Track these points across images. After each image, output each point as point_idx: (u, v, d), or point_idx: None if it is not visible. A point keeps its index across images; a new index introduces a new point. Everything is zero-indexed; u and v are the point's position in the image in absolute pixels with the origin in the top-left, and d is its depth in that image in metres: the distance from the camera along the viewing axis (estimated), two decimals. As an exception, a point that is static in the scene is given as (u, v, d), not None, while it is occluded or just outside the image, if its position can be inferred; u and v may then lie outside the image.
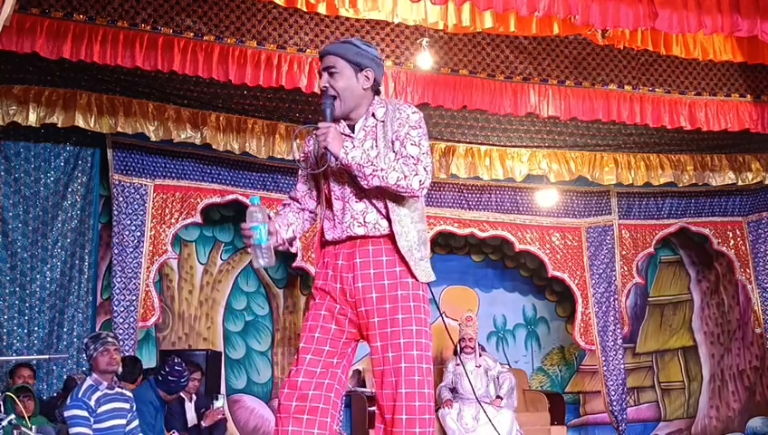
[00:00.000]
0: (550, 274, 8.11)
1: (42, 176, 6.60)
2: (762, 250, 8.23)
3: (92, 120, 6.09)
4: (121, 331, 6.42)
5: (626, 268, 8.21)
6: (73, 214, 6.70)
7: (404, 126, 2.73)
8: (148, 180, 6.84)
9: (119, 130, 6.21)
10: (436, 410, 6.95)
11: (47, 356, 5.94)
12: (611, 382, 7.99)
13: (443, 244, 8.50)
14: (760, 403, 8.70)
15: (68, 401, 4.53)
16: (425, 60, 5.59)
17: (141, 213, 6.73)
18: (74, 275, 6.64)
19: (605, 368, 7.98)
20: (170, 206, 6.91)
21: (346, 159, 2.63)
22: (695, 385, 9.01)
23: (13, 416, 4.14)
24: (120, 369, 4.88)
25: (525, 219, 8.14)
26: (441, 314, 3.45)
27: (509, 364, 8.36)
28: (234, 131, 6.55)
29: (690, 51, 5.49)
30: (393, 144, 2.72)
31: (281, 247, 2.77)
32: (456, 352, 7.33)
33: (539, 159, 7.34)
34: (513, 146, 7.28)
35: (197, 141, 6.46)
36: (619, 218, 8.29)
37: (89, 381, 4.55)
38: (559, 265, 8.11)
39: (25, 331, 6.36)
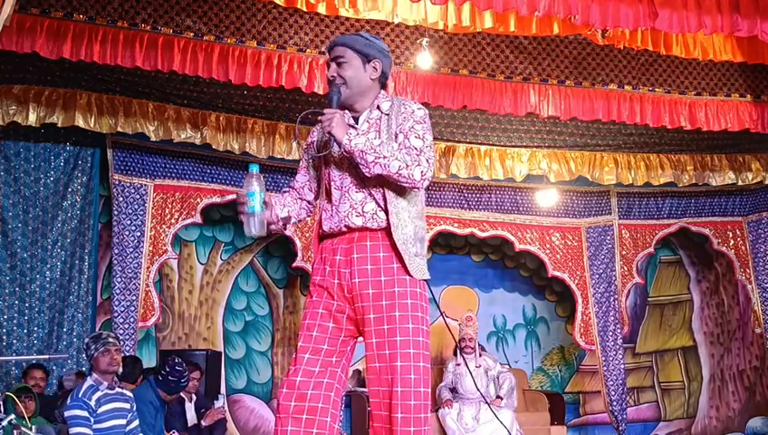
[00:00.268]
0: (550, 274, 8.11)
1: (42, 176, 6.60)
2: (762, 250, 8.23)
3: (92, 120, 6.10)
4: (121, 331, 6.42)
5: (626, 268, 8.22)
6: (73, 214, 6.70)
7: (408, 120, 2.73)
8: (148, 180, 6.84)
9: (119, 130, 6.21)
10: (437, 410, 6.95)
11: (47, 356, 5.95)
12: (611, 382, 7.99)
13: (443, 244, 8.51)
14: (760, 403, 8.70)
15: (68, 400, 4.53)
16: (425, 60, 5.59)
17: (141, 213, 6.73)
18: (74, 275, 6.64)
19: (605, 368, 7.98)
20: (170, 206, 6.91)
21: (349, 146, 2.62)
22: (695, 385, 9.01)
23: (13, 416, 4.14)
24: (121, 369, 4.88)
25: (525, 219, 8.14)
26: (442, 314, 3.44)
27: (509, 364, 8.36)
28: (234, 131, 6.55)
29: (690, 51, 5.49)
30: (396, 137, 2.72)
31: (273, 226, 2.73)
32: (456, 352, 7.33)
33: (539, 159, 7.35)
34: (513, 146, 7.28)
35: (197, 141, 6.46)
36: (619, 218, 8.29)
37: (89, 382, 4.55)
38: (559, 265, 8.11)
39: (25, 331, 6.36)
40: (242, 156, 6.86)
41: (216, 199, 7.16)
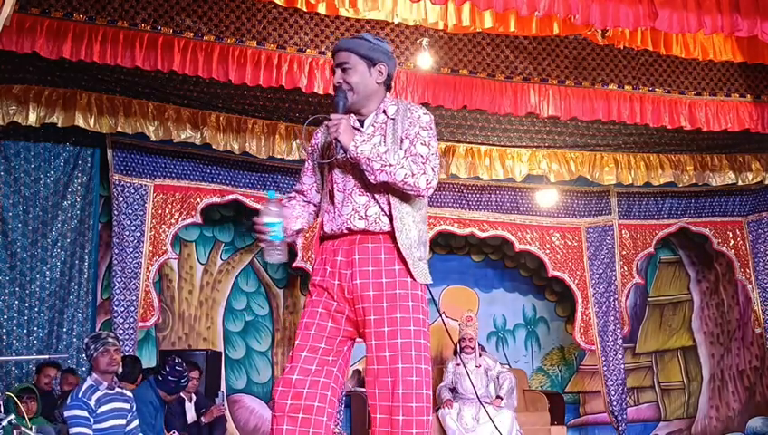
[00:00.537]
0: (550, 274, 8.11)
1: (42, 176, 6.60)
2: (762, 250, 8.23)
3: (92, 120, 6.09)
4: (121, 331, 6.42)
5: (626, 268, 8.21)
6: (73, 214, 6.70)
7: (414, 126, 2.73)
8: (148, 180, 6.84)
9: (119, 130, 6.21)
10: (437, 411, 6.95)
11: (47, 356, 5.94)
12: (611, 382, 7.99)
13: (443, 244, 8.51)
14: (760, 403, 8.70)
15: (68, 401, 4.53)
16: (425, 60, 5.59)
17: (141, 213, 6.73)
18: (74, 275, 6.64)
19: (605, 368, 7.98)
20: (170, 206, 6.91)
21: (355, 152, 2.62)
22: (694, 385, 9.01)
23: (13, 416, 4.14)
24: (121, 369, 4.88)
25: (525, 219, 8.14)
26: (441, 315, 3.45)
27: (509, 364, 8.36)
28: (234, 131, 6.55)
29: (690, 51, 5.49)
30: (402, 142, 2.71)
31: (289, 239, 2.75)
32: (456, 353, 7.32)
33: (539, 159, 7.34)
34: (513, 146, 7.28)
35: (197, 141, 6.46)
36: (619, 218, 8.29)
37: (89, 382, 4.55)
38: (559, 265, 8.11)
39: (25, 331, 6.35)
40: (242, 156, 6.86)
41: (216, 199, 7.16)
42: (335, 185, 2.76)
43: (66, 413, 4.46)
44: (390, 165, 2.61)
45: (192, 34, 5.27)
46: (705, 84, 6.21)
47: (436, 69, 5.75)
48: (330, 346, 2.68)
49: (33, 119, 5.97)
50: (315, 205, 2.92)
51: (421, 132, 2.72)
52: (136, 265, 6.64)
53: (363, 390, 7.37)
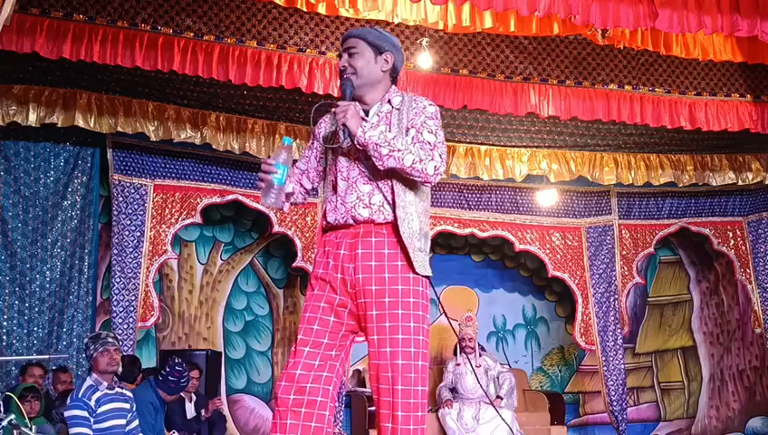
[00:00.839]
0: (550, 274, 8.12)
1: (42, 176, 6.60)
2: (762, 250, 8.23)
3: (92, 120, 6.10)
4: (121, 331, 6.42)
5: (626, 268, 8.22)
6: (73, 214, 6.70)
7: (420, 115, 2.75)
8: (148, 180, 6.84)
9: (119, 130, 6.22)
10: (437, 411, 6.95)
11: (47, 356, 5.94)
12: (611, 382, 7.99)
13: (443, 244, 8.51)
14: (760, 403, 8.70)
15: (68, 401, 4.53)
16: (425, 60, 5.59)
17: (141, 213, 6.73)
18: (74, 275, 6.63)
19: (605, 368, 7.98)
20: (170, 206, 6.91)
21: (363, 138, 2.62)
22: (694, 385, 9.01)
23: (13, 416, 4.14)
24: (120, 369, 4.88)
25: (525, 219, 8.14)
26: (444, 313, 3.43)
27: (509, 364, 8.36)
28: (234, 131, 6.55)
29: (690, 51, 5.49)
30: (407, 132, 2.73)
31: (275, 203, 2.76)
32: (456, 352, 7.33)
33: (539, 159, 7.35)
34: (513, 146, 7.28)
35: (197, 141, 6.47)
36: (619, 218, 8.29)
37: (89, 382, 4.55)
38: (559, 265, 8.11)
39: (25, 331, 6.35)
40: (242, 156, 6.86)
41: (216, 199, 7.16)
42: (339, 174, 2.76)
43: (66, 413, 4.47)
44: (399, 150, 2.61)
45: (192, 34, 5.27)
46: (705, 84, 6.21)
47: (436, 69, 5.75)
48: (332, 341, 2.68)
49: (33, 119, 5.97)
50: (306, 189, 2.95)
51: (427, 121, 2.73)
52: (136, 265, 6.64)
53: (363, 390, 7.38)
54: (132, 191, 6.76)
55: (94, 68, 5.41)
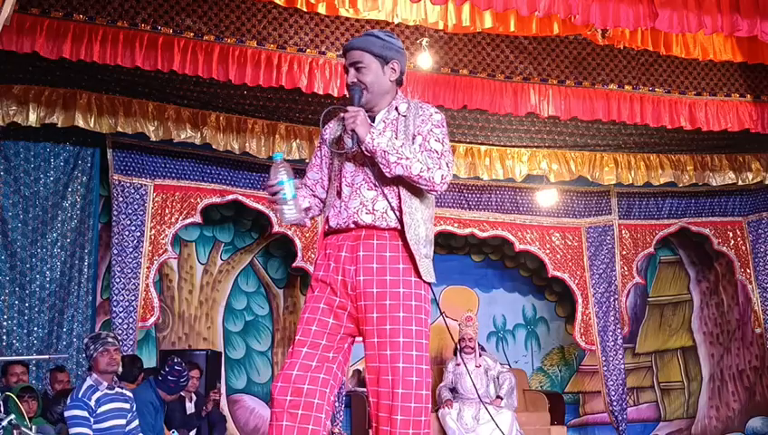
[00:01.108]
0: (550, 274, 8.11)
1: (42, 176, 6.60)
2: (762, 250, 8.23)
3: (92, 120, 6.09)
4: (121, 331, 6.42)
5: (626, 268, 8.21)
6: (73, 214, 6.70)
7: (427, 123, 2.74)
8: (148, 180, 6.84)
9: (119, 130, 6.21)
10: (437, 411, 6.95)
11: (47, 356, 5.93)
12: (611, 382, 7.99)
13: (443, 244, 8.50)
14: (760, 403, 8.70)
15: (68, 401, 4.53)
16: (425, 60, 5.59)
17: (141, 213, 6.73)
18: (74, 275, 6.63)
19: (605, 368, 7.98)
20: (170, 206, 6.91)
21: (372, 145, 2.62)
22: (694, 385, 9.01)
23: (13, 416, 4.14)
24: (121, 369, 4.87)
25: (525, 219, 8.14)
26: (442, 314, 3.45)
27: (509, 364, 8.36)
28: (234, 131, 6.55)
29: (690, 51, 5.49)
30: (414, 139, 2.72)
31: (296, 217, 2.72)
32: (456, 352, 7.33)
33: (539, 159, 7.35)
34: (513, 146, 7.28)
35: (197, 141, 6.46)
36: (619, 218, 8.29)
37: (89, 382, 4.55)
38: (559, 265, 8.11)
39: (25, 331, 6.35)
40: (242, 156, 6.86)
41: (216, 199, 7.16)
42: (343, 179, 2.75)
43: (66, 413, 4.47)
44: (407, 158, 2.61)
45: (192, 34, 5.27)
46: (705, 84, 6.21)
47: (436, 69, 5.75)
48: (330, 343, 2.66)
49: (33, 119, 5.97)
50: (321, 200, 2.90)
51: (434, 129, 2.73)
52: (136, 265, 6.64)
53: (363, 390, 7.37)
54: (132, 191, 6.76)
55: (94, 68, 5.41)
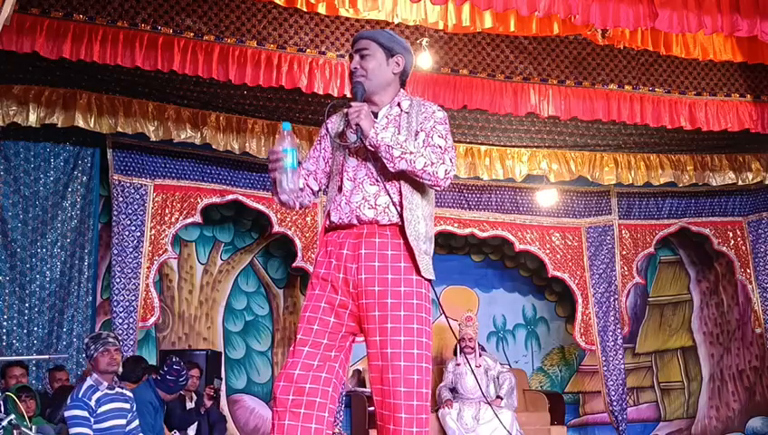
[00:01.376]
0: (550, 274, 8.12)
1: (41, 176, 6.60)
2: (762, 250, 8.23)
3: (92, 120, 6.10)
4: (121, 331, 6.42)
5: (626, 268, 8.21)
6: (73, 214, 6.70)
7: (429, 120, 2.75)
8: (148, 180, 6.84)
9: (119, 130, 6.22)
10: (437, 411, 6.96)
11: (47, 356, 5.93)
12: (611, 382, 7.99)
13: (443, 244, 8.50)
14: (760, 403, 8.70)
15: (68, 400, 4.53)
16: (425, 60, 5.59)
17: (141, 213, 6.73)
18: (74, 275, 6.63)
19: (605, 368, 7.98)
20: (170, 206, 6.91)
21: (375, 139, 2.62)
22: (694, 385, 9.01)
23: (13, 416, 4.14)
24: (121, 369, 4.87)
25: (525, 219, 8.14)
26: (443, 314, 3.44)
27: (509, 364, 8.36)
28: (234, 131, 6.55)
29: (690, 51, 5.49)
30: (417, 135, 2.73)
31: (291, 189, 2.70)
32: (456, 352, 7.33)
33: (539, 159, 7.35)
34: (513, 146, 7.28)
35: (197, 141, 6.47)
36: (619, 218, 8.29)
37: (89, 382, 4.55)
38: (559, 265, 8.11)
39: (25, 331, 6.35)
40: (242, 156, 6.86)
41: (216, 199, 7.16)
42: (345, 174, 2.75)
43: (66, 413, 4.47)
44: (411, 153, 2.62)
45: (192, 34, 5.28)
46: (705, 84, 6.21)
47: (436, 69, 5.75)
48: (332, 341, 2.66)
49: (33, 119, 5.97)
50: (312, 191, 2.91)
51: (437, 126, 2.74)
52: (136, 265, 6.64)
53: (363, 390, 7.38)
54: (132, 191, 6.76)
55: (94, 68, 5.41)
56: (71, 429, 4.41)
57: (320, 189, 2.92)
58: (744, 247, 8.33)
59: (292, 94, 5.94)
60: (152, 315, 6.72)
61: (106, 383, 4.55)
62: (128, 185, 6.74)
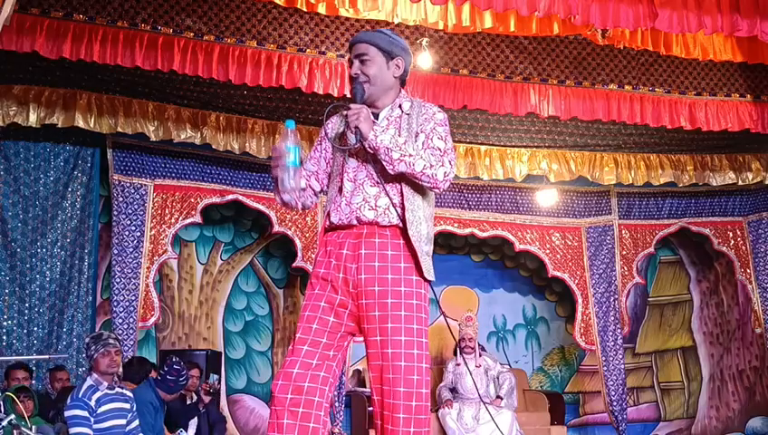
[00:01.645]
0: (550, 274, 8.12)
1: (42, 176, 6.60)
2: (762, 250, 8.23)
3: (92, 120, 6.10)
4: (121, 331, 6.42)
5: (626, 268, 8.21)
6: (73, 214, 6.70)
7: (429, 122, 2.75)
8: (148, 180, 6.84)
9: (119, 130, 6.22)
10: (437, 411, 6.96)
11: (47, 356, 5.94)
12: (611, 382, 7.99)
13: (443, 244, 8.50)
14: (760, 403, 8.70)
15: (68, 400, 4.53)
16: (425, 60, 5.59)
17: (141, 213, 6.73)
18: (74, 275, 6.63)
19: (605, 368, 7.98)
20: (170, 206, 6.91)
21: (375, 142, 2.62)
22: (694, 385, 9.01)
23: (13, 416, 4.14)
24: (121, 370, 4.87)
25: (525, 219, 8.14)
26: (443, 314, 3.44)
27: (509, 364, 8.36)
28: (234, 131, 6.55)
29: (690, 51, 5.49)
30: (417, 137, 2.73)
31: (293, 187, 2.69)
32: (456, 352, 7.33)
33: (539, 159, 7.35)
34: (513, 146, 7.28)
35: (197, 141, 6.46)
36: (619, 218, 8.29)
37: (89, 382, 4.55)
38: (559, 265, 8.11)
39: (25, 331, 6.35)
40: (242, 156, 6.86)
41: (216, 199, 7.16)
42: (346, 175, 2.75)
43: (66, 413, 4.47)
44: (410, 155, 2.62)
45: (192, 34, 5.27)
46: (705, 84, 6.21)
47: (436, 69, 5.75)
48: (331, 341, 2.66)
49: (33, 119, 5.97)
50: (314, 191, 2.91)
51: (437, 128, 2.74)
52: (136, 265, 6.64)
53: (363, 390, 7.38)
54: (132, 191, 6.76)
55: (94, 68, 5.41)
56: (71, 428, 4.41)
57: (321, 190, 2.92)
58: (743, 247, 8.33)
59: (292, 94, 5.94)
60: (152, 315, 6.71)
61: (106, 383, 4.55)
62: (128, 185, 6.74)
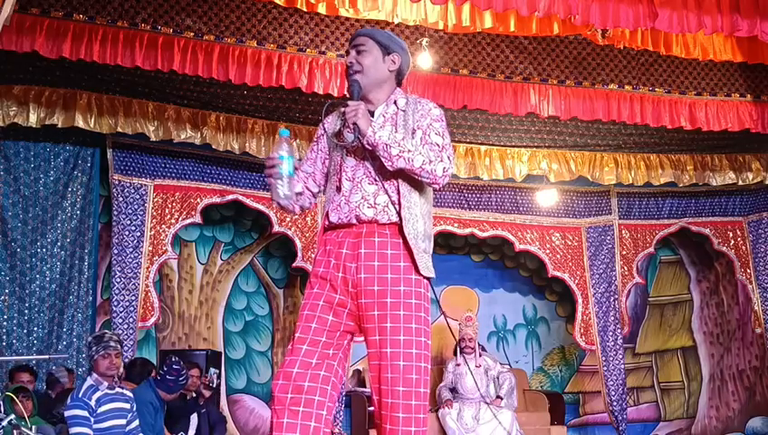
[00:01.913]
0: (550, 274, 8.11)
1: (41, 176, 6.60)
2: (762, 250, 8.23)
3: (92, 120, 6.09)
4: (121, 331, 6.41)
5: (626, 268, 8.21)
6: (73, 214, 6.70)
7: (426, 117, 2.75)
8: (148, 180, 6.84)
9: (119, 130, 6.21)
10: (437, 411, 6.96)
11: (47, 356, 5.93)
12: (611, 382, 7.98)
13: (443, 244, 8.50)
14: (760, 403, 8.70)
15: (68, 400, 4.53)
16: (425, 60, 5.59)
17: (141, 213, 6.73)
18: (74, 275, 6.63)
19: (605, 368, 7.98)
20: (170, 206, 6.91)
21: (373, 138, 2.62)
22: (694, 385, 9.01)
23: (13, 416, 4.14)
24: (122, 370, 4.87)
25: (525, 219, 8.14)
26: (443, 314, 3.46)
27: (509, 364, 8.36)
28: (234, 131, 6.55)
29: (690, 51, 5.49)
30: (414, 133, 2.72)
31: (288, 195, 2.70)
32: (456, 352, 7.33)
33: (539, 159, 7.35)
34: (513, 146, 7.28)
35: (197, 141, 6.46)
36: (619, 218, 8.29)
37: (89, 381, 4.55)
38: (559, 265, 8.11)
39: (25, 331, 6.35)
40: (242, 156, 6.86)
41: (216, 199, 7.16)
42: (344, 173, 2.75)
43: (66, 413, 4.47)
44: (408, 151, 2.62)
45: (192, 34, 5.28)
46: (705, 84, 6.21)
47: (436, 69, 5.75)
48: (330, 340, 2.66)
49: (33, 120, 5.97)
50: (312, 193, 2.91)
51: (434, 124, 2.74)
52: (136, 265, 6.64)
53: (363, 390, 7.38)
54: (132, 191, 6.76)
55: (94, 68, 5.41)
56: (71, 428, 4.41)
57: (319, 191, 2.92)
58: (743, 247, 8.33)
59: (292, 94, 5.94)
60: (152, 315, 6.71)
61: (106, 383, 4.55)
62: (128, 185, 6.74)
